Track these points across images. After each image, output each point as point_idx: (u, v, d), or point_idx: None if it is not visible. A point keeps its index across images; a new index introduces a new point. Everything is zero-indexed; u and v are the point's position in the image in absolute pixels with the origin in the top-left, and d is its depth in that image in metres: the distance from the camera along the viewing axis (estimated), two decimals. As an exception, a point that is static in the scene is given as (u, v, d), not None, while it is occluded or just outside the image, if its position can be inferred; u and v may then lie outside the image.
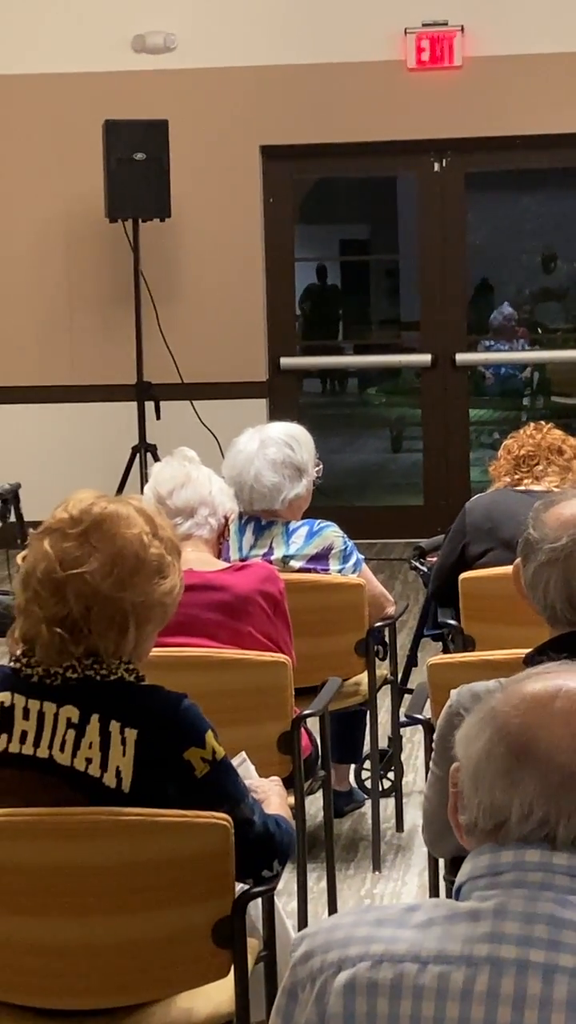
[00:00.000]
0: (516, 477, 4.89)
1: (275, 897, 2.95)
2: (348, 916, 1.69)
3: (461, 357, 9.83)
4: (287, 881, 4.21)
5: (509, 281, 16.31)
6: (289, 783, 3.77)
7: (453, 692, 2.87)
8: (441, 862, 3.35)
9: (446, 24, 9.23)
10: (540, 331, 14.13)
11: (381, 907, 1.70)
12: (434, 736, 3.03)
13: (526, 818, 1.62)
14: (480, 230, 15.04)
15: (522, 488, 4.79)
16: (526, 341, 12.56)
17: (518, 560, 2.89)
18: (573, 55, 9.11)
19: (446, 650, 4.90)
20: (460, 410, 9.93)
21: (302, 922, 3.99)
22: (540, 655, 2.81)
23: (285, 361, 9.84)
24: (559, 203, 14.80)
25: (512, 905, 1.58)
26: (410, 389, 11.31)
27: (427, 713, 3.66)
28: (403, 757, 5.21)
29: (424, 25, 9.25)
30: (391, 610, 4.94)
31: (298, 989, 1.65)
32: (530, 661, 2.82)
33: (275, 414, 8.99)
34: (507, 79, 9.21)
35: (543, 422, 5.11)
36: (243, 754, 3.15)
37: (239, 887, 2.75)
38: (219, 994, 2.77)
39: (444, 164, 9.67)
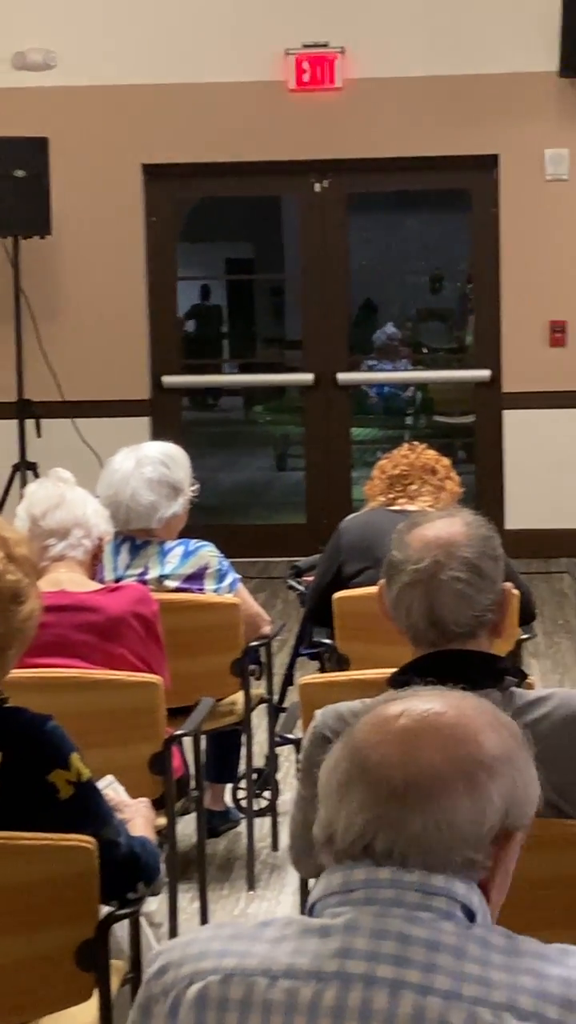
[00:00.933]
0: (390, 496, 4.92)
1: (141, 918, 2.94)
2: (205, 931, 1.69)
3: (343, 376, 9.89)
4: (160, 902, 4.21)
5: (394, 301, 16.42)
6: (161, 804, 3.77)
7: (318, 712, 2.88)
8: (312, 881, 3.36)
9: (327, 46, 9.30)
10: (425, 351, 14.26)
11: (237, 923, 1.70)
12: (300, 756, 3.04)
13: (347, 830, 1.62)
14: (365, 250, 15.14)
15: (396, 508, 4.83)
16: (409, 361, 12.66)
17: (382, 581, 2.91)
18: (452, 78, 9.21)
19: (322, 669, 4.92)
20: (342, 429, 9.99)
21: (173, 943, 3.97)
22: (403, 675, 2.84)
23: (167, 379, 9.83)
24: (443, 224, 14.95)
25: (362, 921, 1.58)
26: (295, 408, 11.35)
27: (300, 732, 3.67)
28: (279, 776, 5.22)
29: (305, 46, 9.31)
30: (267, 629, 4.96)
31: (151, 1004, 1.64)
32: (394, 681, 2.85)
33: (157, 432, 8.99)
34: (387, 101, 9.29)
35: (416, 442, 5.15)
36: (110, 777, 3.15)
37: (104, 909, 2.74)
38: (84, 1016, 2.76)
39: (325, 185, 9.73)
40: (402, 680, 2.83)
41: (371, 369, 12.04)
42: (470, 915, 1.58)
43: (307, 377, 9.91)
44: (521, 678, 2.83)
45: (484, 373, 9.65)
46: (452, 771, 1.61)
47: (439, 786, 1.60)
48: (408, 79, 9.25)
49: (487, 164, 9.38)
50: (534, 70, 9.12)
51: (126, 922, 2.89)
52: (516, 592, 4.68)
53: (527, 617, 4.95)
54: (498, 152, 9.32)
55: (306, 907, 1.69)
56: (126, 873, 2.78)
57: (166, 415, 9.78)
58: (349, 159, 9.47)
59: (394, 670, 2.87)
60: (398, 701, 1.71)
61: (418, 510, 4.66)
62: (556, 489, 9.37)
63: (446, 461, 5.04)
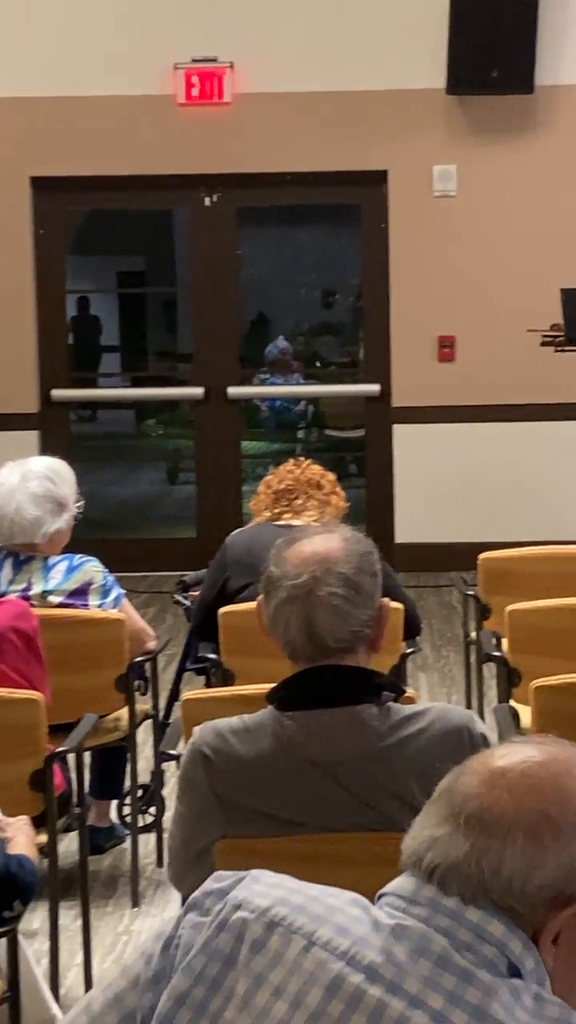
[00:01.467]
0: (276, 511, 4.93)
1: (19, 937, 2.92)
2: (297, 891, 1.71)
3: (233, 390, 9.90)
4: (42, 920, 4.18)
5: (287, 315, 16.46)
6: (42, 821, 3.74)
7: (196, 729, 2.88)
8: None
9: (216, 60, 9.31)
10: (318, 364, 14.30)
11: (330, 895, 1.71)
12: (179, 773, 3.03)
13: (414, 838, 1.64)
14: (258, 264, 15.16)
15: (282, 522, 4.83)
16: (301, 375, 12.69)
17: (260, 596, 2.92)
18: (341, 94, 9.25)
19: (209, 684, 4.91)
20: (232, 443, 9.99)
21: (54, 962, 3.95)
22: (281, 691, 2.85)
23: (56, 393, 9.79)
24: (336, 239, 15.00)
25: (410, 933, 1.60)
26: (186, 421, 11.33)
27: (182, 748, 3.66)
28: (164, 792, 5.20)
29: (194, 61, 9.32)
30: (152, 645, 4.95)
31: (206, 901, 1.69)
32: (272, 697, 2.85)
33: (46, 446, 8.94)
34: (276, 116, 9.32)
35: (302, 457, 5.17)
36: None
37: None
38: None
39: (215, 199, 9.73)
40: (280, 697, 2.84)
41: (263, 383, 12.05)
42: (514, 969, 1.57)
43: (197, 391, 9.90)
44: (399, 693, 2.84)
45: (374, 388, 9.70)
46: (518, 819, 1.60)
47: (498, 827, 1.60)
48: (297, 94, 9.29)
49: (376, 180, 9.44)
50: (422, 87, 9.20)
51: (3, 940, 2.87)
52: (399, 606, 4.72)
53: (412, 631, 4.97)
54: (387, 168, 9.38)
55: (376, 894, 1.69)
56: (2, 892, 2.76)
57: (55, 429, 9.73)
58: (238, 174, 9.49)
59: (274, 685, 2.88)
60: (521, 743, 1.71)
61: (304, 524, 4.68)
62: (445, 503, 9.43)
63: (331, 476, 5.06)
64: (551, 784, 1.63)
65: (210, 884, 1.72)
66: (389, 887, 1.66)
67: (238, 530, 5.05)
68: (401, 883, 1.65)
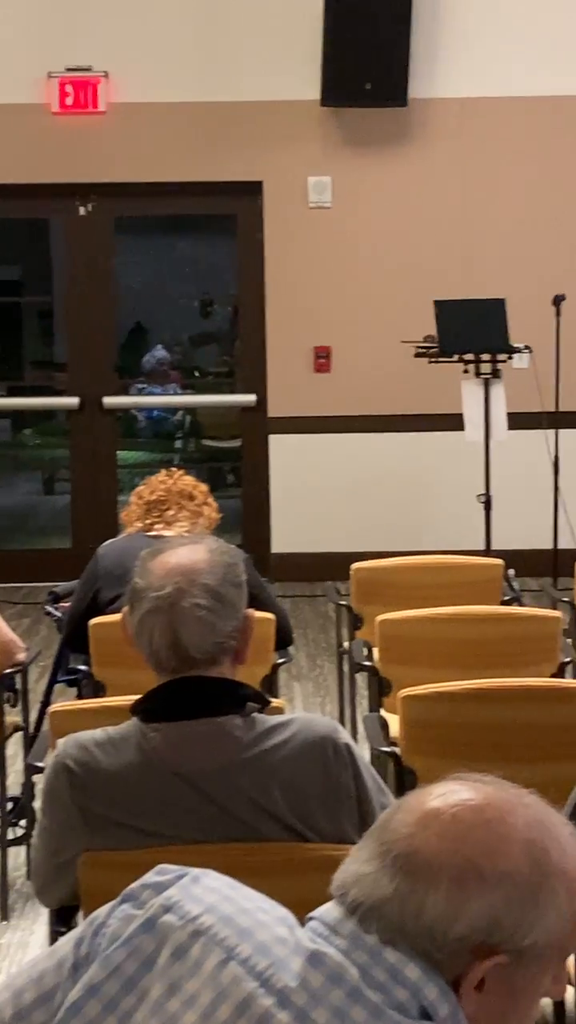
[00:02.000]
0: (148, 522, 4.92)
1: None
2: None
3: (108, 400, 9.86)
4: None
5: (164, 325, 16.41)
6: None
7: (60, 742, 2.87)
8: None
9: (90, 69, 9.28)
10: (196, 374, 14.28)
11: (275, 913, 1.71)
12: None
13: (343, 871, 1.65)
14: (136, 274, 15.10)
15: (153, 533, 4.82)
16: (178, 385, 12.67)
17: (125, 608, 2.91)
18: (216, 104, 9.26)
19: (80, 696, 4.89)
20: (108, 453, 9.96)
21: None
22: (145, 703, 2.84)
23: None
24: (214, 249, 14.99)
25: (328, 961, 1.59)
26: (63, 431, 11.26)
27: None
28: (35, 805, 5.16)
29: (68, 70, 9.28)
30: (21, 656, 4.91)
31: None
32: (136, 709, 2.85)
33: None
34: (152, 126, 9.31)
35: (177, 468, 5.16)
36: None
37: None
38: None
39: (90, 208, 9.70)
40: (145, 708, 2.84)
41: (140, 393, 12.02)
42: (427, 1013, 1.56)
43: (72, 401, 9.86)
44: (264, 704, 2.85)
45: (250, 398, 9.72)
46: (444, 865, 1.58)
47: (423, 872, 1.59)
48: (172, 104, 9.29)
49: (251, 190, 9.46)
50: (296, 99, 9.23)
51: None
52: (270, 617, 4.73)
53: (284, 641, 4.99)
54: (262, 179, 9.41)
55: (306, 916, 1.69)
56: None
57: None
58: (114, 183, 9.46)
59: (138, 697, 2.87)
60: (461, 782, 1.68)
61: (176, 535, 4.67)
62: (321, 513, 9.47)
63: (203, 487, 5.06)
64: (482, 831, 1.60)
65: (151, 877, 1.72)
66: (317, 912, 1.66)
67: (109, 541, 5.04)
68: (328, 910, 1.65)
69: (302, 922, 1.67)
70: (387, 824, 1.64)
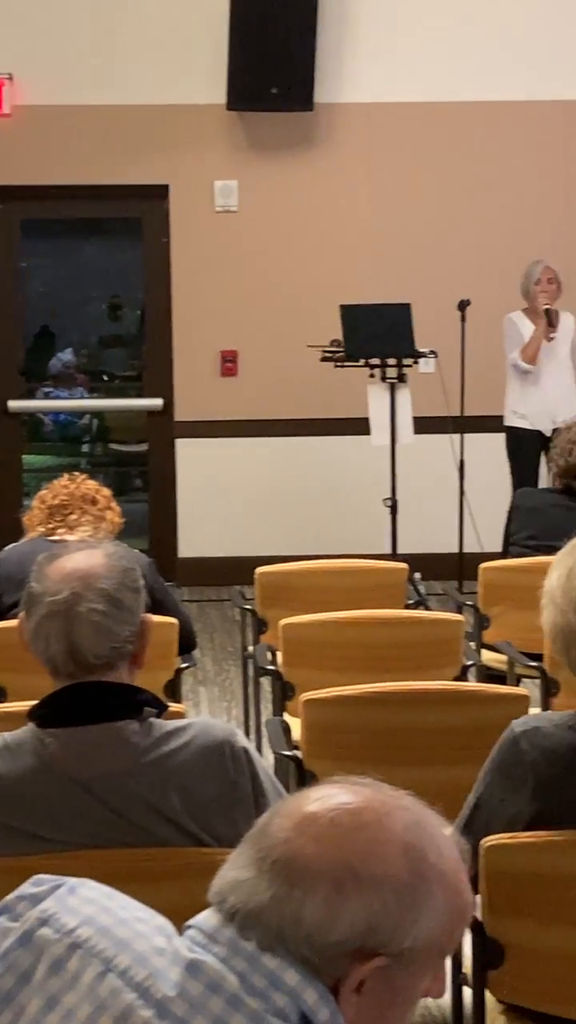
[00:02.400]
0: (50, 527, 4.90)
1: None
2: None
3: (13, 404, 9.80)
4: None
5: (72, 328, 16.34)
6: None
7: None
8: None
9: (-6, 71, 9.24)
10: (106, 378, 14.23)
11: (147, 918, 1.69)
12: None
13: (221, 878, 1.65)
14: (43, 276, 15.03)
15: (56, 538, 4.80)
16: (86, 388, 12.62)
17: (22, 613, 2.89)
18: (122, 107, 9.24)
19: (-18, 702, 4.85)
20: (14, 457, 9.89)
21: None
22: (41, 708, 2.82)
23: None
24: (122, 252, 14.94)
25: (207, 969, 1.59)
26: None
27: None
28: None
29: (-28, 72, 9.23)
30: None
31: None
32: (32, 715, 2.83)
33: None
34: (58, 128, 9.26)
35: (77, 472, 5.14)
36: None
37: None
38: None
39: (-5, 211, 9.64)
40: (41, 714, 2.82)
41: (47, 396, 11.96)
42: (307, 1019, 1.56)
43: (-23, 404, 9.79)
44: (161, 708, 2.84)
45: (156, 402, 9.69)
46: (321, 870, 1.58)
47: (300, 877, 1.58)
48: (78, 107, 9.25)
49: (157, 194, 9.44)
50: (203, 102, 9.23)
51: None
52: (173, 621, 4.73)
53: (187, 646, 4.98)
54: (168, 182, 9.39)
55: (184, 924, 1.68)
56: None
57: None
58: (20, 185, 9.40)
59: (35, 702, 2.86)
60: (339, 786, 1.67)
61: (79, 540, 4.65)
62: (227, 518, 9.46)
63: (106, 491, 5.05)
64: (359, 835, 1.60)
65: (26, 888, 1.70)
66: (195, 920, 1.65)
67: (11, 545, 5.01)
68: (206, 917, 1.64)
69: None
70: (265, 829, 1.64)
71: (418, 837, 1.63)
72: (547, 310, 8.59)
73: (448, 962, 1.76)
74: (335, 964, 1.57)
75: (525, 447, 8.76)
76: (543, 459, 8.63)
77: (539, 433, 8.70)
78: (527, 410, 8.75)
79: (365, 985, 1.58)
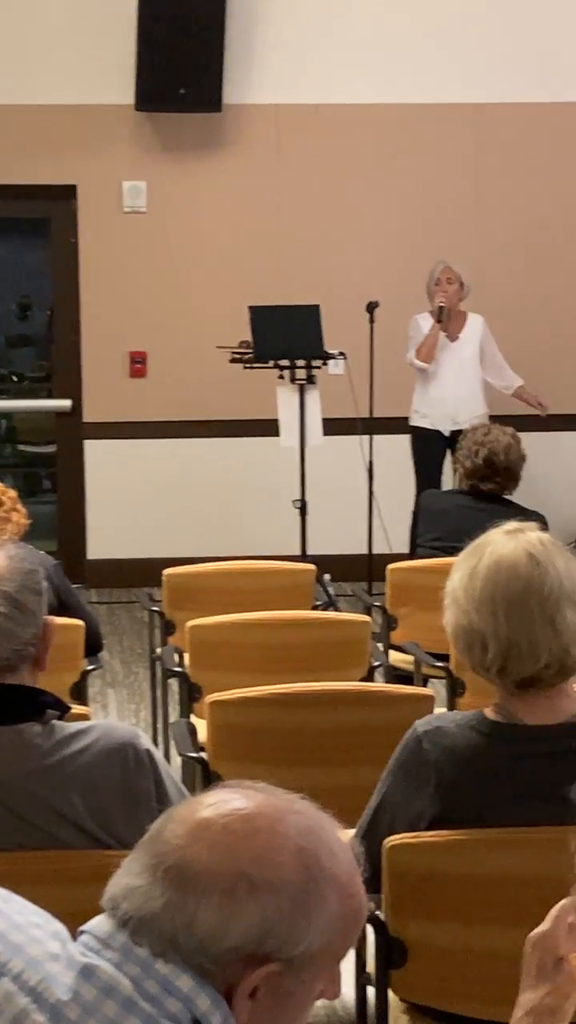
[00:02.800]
0: (-46, 529, 4.86)
1: None
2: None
3: None
4: None
5: (-20, 329, 16.21)
6: None
7: None
8: None
9: None
10: (15, 379, 14.14)
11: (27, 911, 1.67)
12: None
13: (114, 884, 1.65)
14: (-49, 277, 14.90)
15: (-40, 540, 4.76)
16: (-7, 389, 12.52)
17: None
18: (29, 107, 9.17)
19: None
20: None
21: None
22: None
23: None
24: (31, 251, 14.85)
25: (100, 973, 1.58)
26: None
27: None
28: None
29: None
30: None
31: None
32: None
33: None
34: (-36, 128, 9.19)
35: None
36: None
37: None
38: None
39: None
40: None
41: (-45, 397, 11.86)
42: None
43: None
44: (64, 711, 2.83)
45: (65, 403, 9.64)
46: (214, 876, 1.58)
47: (193, 884, 1.58)
48: (-15, 106, 9.18)
49: (65, 194, 9.39)
50: (111, 103, 9.19)
51: None
52: (78, 623, 4.71)
53: (94, 648, 4.96)
54: (76, 183, 9.34)
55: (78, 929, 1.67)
56: None
57: None
58: None
59: None
60: (233, 790, 1.67)
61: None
62: (136, 519, 9.43)
63: (12, 493, 5.02)
64: (253, 841, 1.60)
65: None
66: (88, 925, 1.65)
67: None
68: (99, 923, 1.64)
69: None
70: (158, 835, 1.64)
71: (311, 842, 1.63)
72: (439, 307, 8.67)
73: (350, 962, 1.77)
74: (228, 970, 1.58)
75: (428, 447, 8.82)
76: (448, 459, 8.70)
77: (441, 433, 8.76)
78: (429, 410, 8.81)
79: (259, 991, 1.58)
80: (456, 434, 8.57)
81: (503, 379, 8.89)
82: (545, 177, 9.49)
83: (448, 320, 8.73)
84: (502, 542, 2.89)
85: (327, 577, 7.95)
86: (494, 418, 7.31)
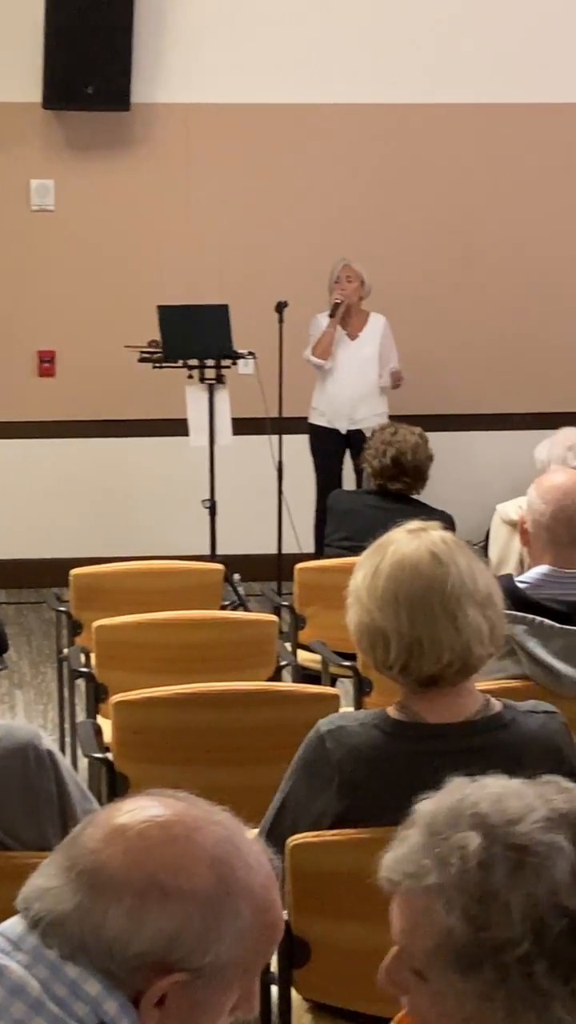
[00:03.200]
0: None
1: None
2: None
3: None
4: None
5: None
6: None
7: None
8: None
9: None
10: None
11: None
12: None
13: (29, 884, 1.64)
14: None
15: None
16: None
17: None
18: None
19: None
20: None
21: None
22: None
23: None
24: None
25: (9, 973, 1.57)
26: None
27: None
28: None
29: None
30: None
31: None
32: None
33: None
34: None
35: None
36: None
37: None
38: None
39: None
40: None
41: None
42: None
43: None
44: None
45: (-27, 402, 9.57)
46: (127, 881, 1.57)
47: (105, 888, 1.57)
48: None
49: (-27, 192, 9.32)
50: (17, 100, 9.12)
51: None
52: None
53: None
54: (-18, 181, 9.28)
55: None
56: None
57: None
58: None
59: None
60: (154, 798, 1.66)
61: None
62: (44, 518, 9.38)
63: None
64: (168, 848, 1.60)
65: None
66: (3, 925, 1.64)
67: None
68: (13, 924, 1.63)
69: None
70: (76, 839, 1.64)
71: (228, 852, 1.63)
72: (335, 304, 8.72)
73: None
74: (136, 976, 1.57)
75: (326, 445, 8.87)
76: (347, 457, 8.75)
77: (339, 432, 8.80)
78: (326, 408, 8.86)
79: (167, 999, 1.58)
80: (354, 433, 8.64)
81: (384, 377, 8.90)
82: (450, 177, 9.54)
83: (345, 317, 8.77)
84: (405, 541, 2.89)
85: (237, 577, 7.95)
86: (401, 418, 7.31)
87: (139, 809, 1.64)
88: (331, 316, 8.74)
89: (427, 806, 1.66)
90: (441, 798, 1.66)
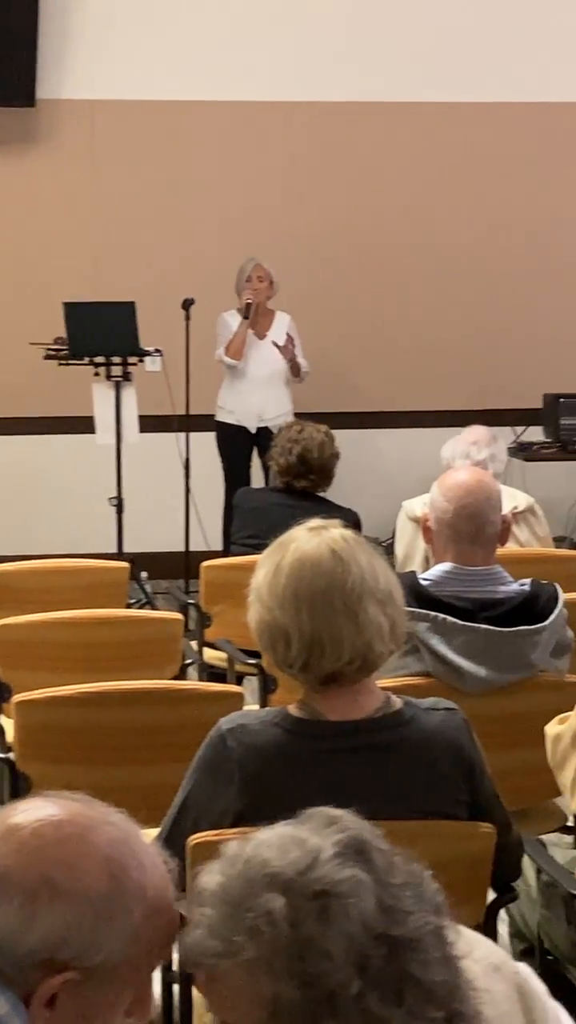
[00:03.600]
0: None
1: None
2: None
3: None
4: None
5: None
6: None
7: None
8: None
9: None
10: None
11: None
12: None
13: None
14: None
15: None
16: None
17: None
18: None
19: None
20: None
21: None
22: None
23: None
24: None
25: None
26: None
27: None
28: None
29: None
30: None
31: None
32: None
33: None
34: None
35: None
36: None
37: None
38: None
39: None
40: None
41: None
42: None
43: None
44: None
45: None
46: (18, 879, 1.56)
47: None
48: None
49: None
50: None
51: None
52: None
53: None
54: None
55: None
56: None
57: None
58: None
59: None
60: (49, 799, 1.65)
61: None
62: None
63: None
64: (60, 847, 1.60)
65: None
66: None
67: None
68: None
69: None
70: None
71: (121, 853, 1.63)
72: (247, 304, 8.72)
73: (155, 976, 1.76)
74: (26, 975, 1.56)
75: (233, 443, 8.86)
76: (254, 455, 8.76)
77: (247, 430, 8.81)
78: (235, 406, 8.85)
79: (57, 999, 1.57)
80: (262, 431, 8.64)
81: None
82: (360, 176, 9.57)
83: (256, 317, 8.77)
84: (305, 539, 2.90)
85: (144, 575, 7.94)
86: (308, 415, 7.33)
87: (33, 809, 1.64)
88: (245, 316, 8.73)
89: (212, 880, 1.63)
90: (223, 868, 1.65)
